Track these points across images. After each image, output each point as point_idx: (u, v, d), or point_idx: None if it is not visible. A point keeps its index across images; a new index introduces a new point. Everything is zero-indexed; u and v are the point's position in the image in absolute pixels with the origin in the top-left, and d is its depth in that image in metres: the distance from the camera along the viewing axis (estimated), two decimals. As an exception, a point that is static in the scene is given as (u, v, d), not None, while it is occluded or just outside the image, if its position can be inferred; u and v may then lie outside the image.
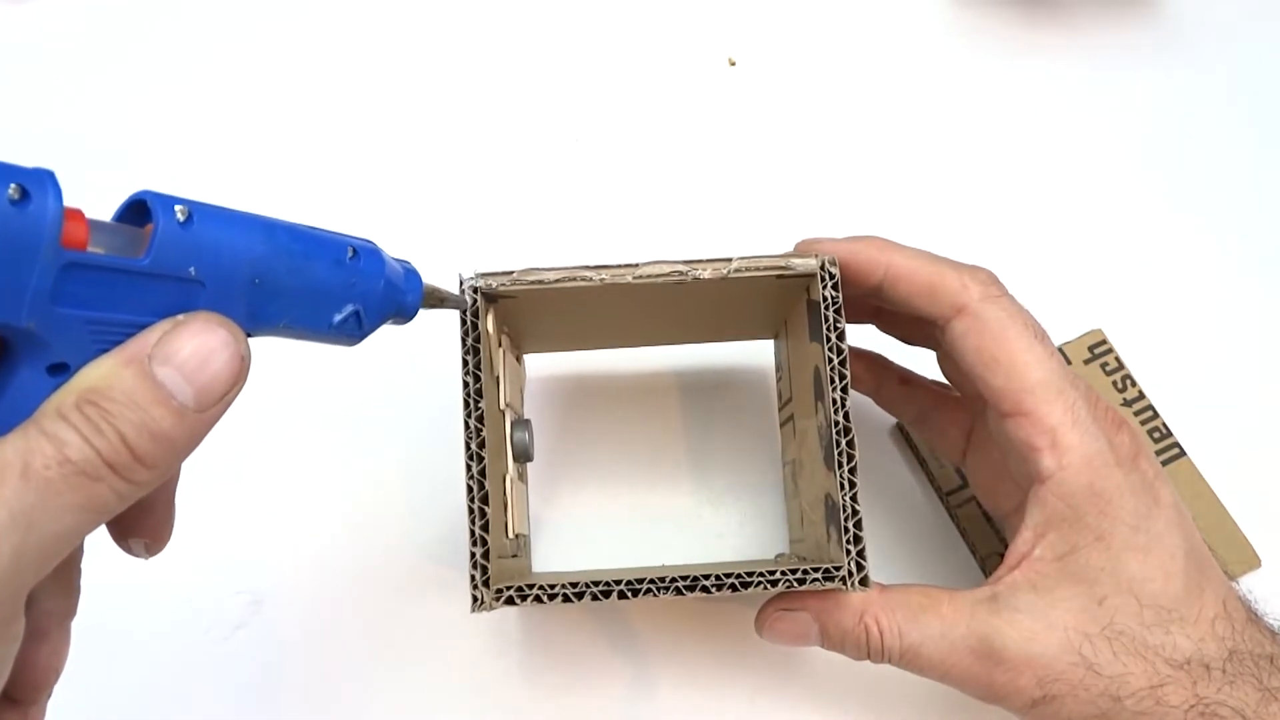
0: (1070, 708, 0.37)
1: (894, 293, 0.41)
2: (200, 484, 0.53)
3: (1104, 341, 0.56)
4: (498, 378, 0.42)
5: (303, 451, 0.54)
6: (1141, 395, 0.55)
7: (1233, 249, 0.60)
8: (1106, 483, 0.37)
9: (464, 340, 0.38)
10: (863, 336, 0.49)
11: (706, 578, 0.37)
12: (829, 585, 0.38)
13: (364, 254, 0.34)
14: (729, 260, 0.40)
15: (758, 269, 0.40)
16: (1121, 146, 0.63)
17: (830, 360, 0.39)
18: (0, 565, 0.23)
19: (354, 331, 0.34)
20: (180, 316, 0.28)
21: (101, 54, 0.64)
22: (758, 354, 0.55)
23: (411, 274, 0.36)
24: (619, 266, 0.39)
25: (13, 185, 0.24)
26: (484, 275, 0.39)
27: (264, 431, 0.54)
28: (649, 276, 0.39)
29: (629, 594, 0.37)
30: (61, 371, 0.26)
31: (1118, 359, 0.56)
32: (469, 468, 0.37)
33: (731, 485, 0.54)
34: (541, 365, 0.55)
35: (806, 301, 0.42)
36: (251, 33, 0.65)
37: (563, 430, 0.55)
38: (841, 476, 0.38)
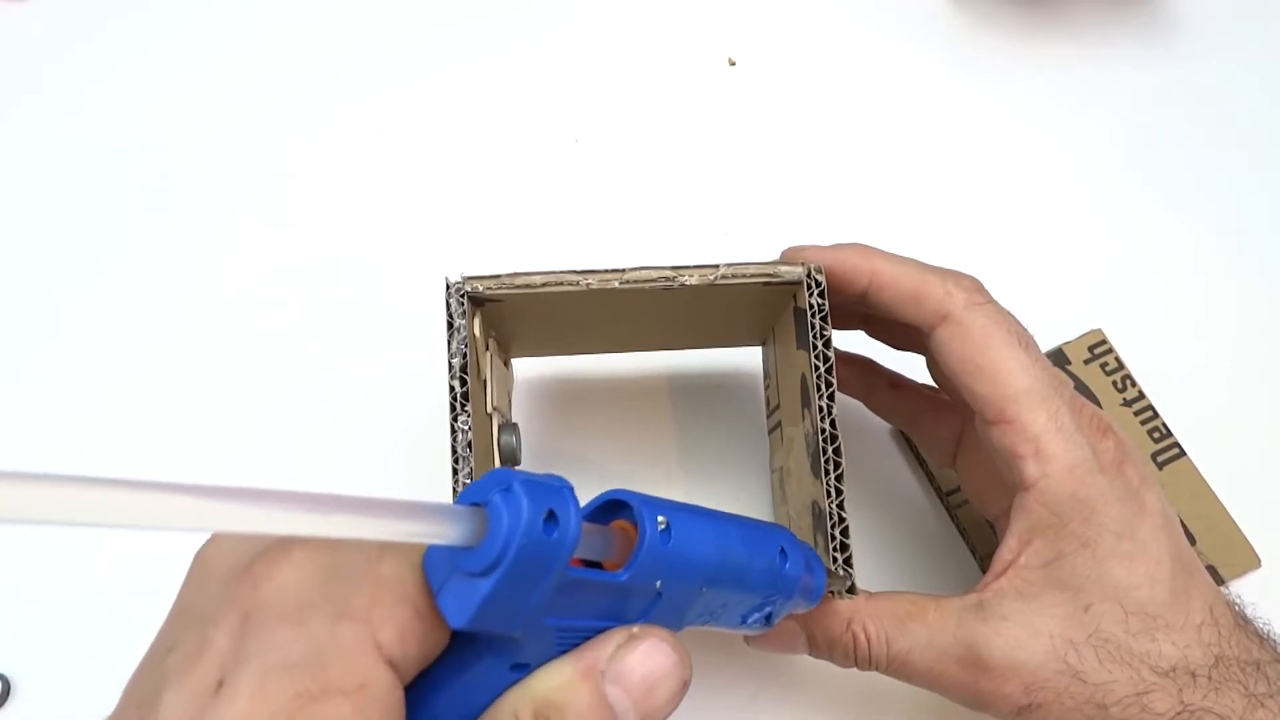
0: (1056, 715, 0.37)
1: (879, 300, 0.41)
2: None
3: (1104, 341, 0.56)
4: (484, 381, 0.42)
5: (289, 456, 0.54)
6: (1141, 395, 0.55)
7: (1233, 249, 0.60)
8: (1090, 490, 0.37)
9: (450, 344, 0.38)
10: (852, 341, 0.49)
11: None
12: None
13: (790, 552, 0.33)
14: (716, 267, 0.39)
15: (744, 276, 0.40)
16: (1121, 146, 0.63)
17: (816, 368, 0.38)
18: None
19: (761, 627, 0.34)
20: (635, 629, 0.28)
21: (102, 54, 0.64)
22: (749, 359, 0.55)
23: (817, 562, 0.35)
24: (606, 271, 0.39)
25: (547, 509, 0.24)
26: (470, 279, 0.39)
27: (252, 435, 0.54)
28: (636, 281, 0.39)
29: None
30: (521, 669, 0.26)
31: (1118, 359, 0.55)
32: (455, 471, 0.37)
33: (730, 487, 0.54)
34: (531, 369, 0.55)
35: (793, 309, 0.42)
36: (252, 31, 0.65)
37: (552, 434, 0.55)
38: (828, 484, 0.38)
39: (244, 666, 0.23)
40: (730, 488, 0.54)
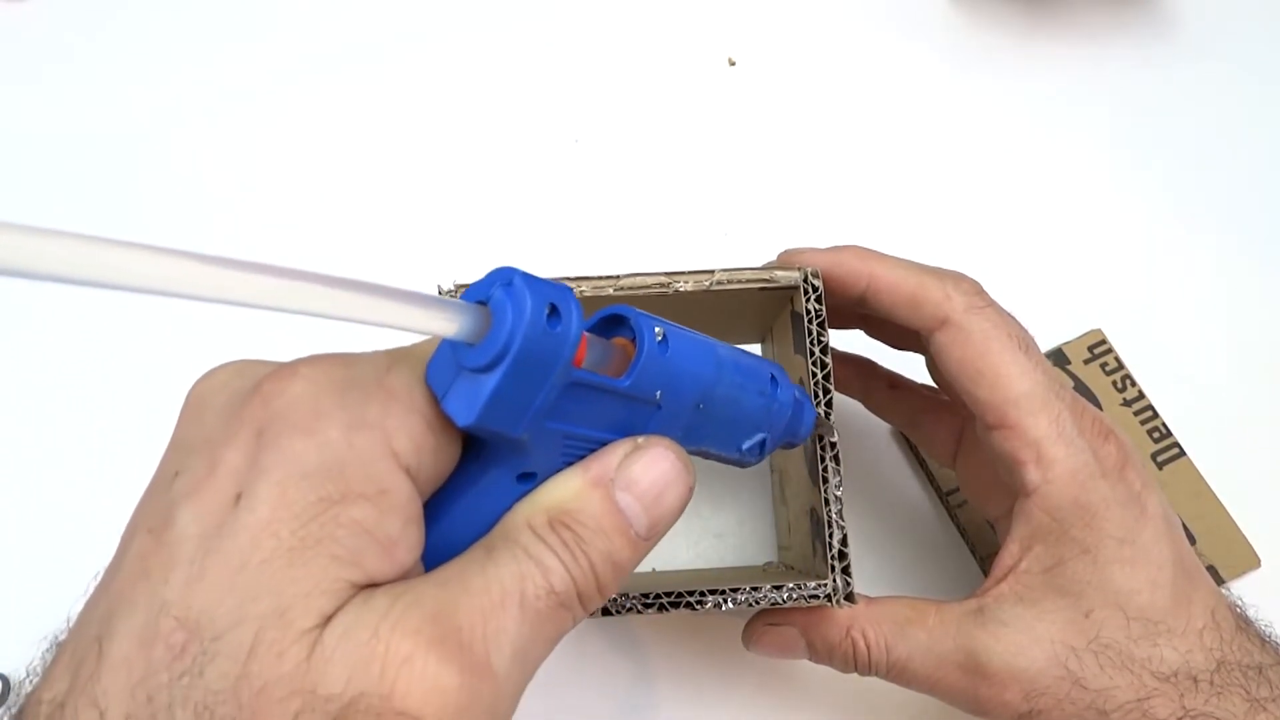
0: None
1: (877, 304, 0.40)
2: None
3: (1104, 341, 0.56)
4: None
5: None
6: (1141, 395, 0.55)
7: (1233, 249, 0.60)
8: (1092, 495, 0.37)
9: None
10: (851, 341, 0.49)
11: (691, 594, 0.37)
12: (814, 603, 0.37)
13: (780, 383, 0.34)
14: (711, 272, 0.39)
15: (740, 281, 0.39)
16: (1121, 146, 0.63)
17: (814, 373, 0.38)
18: (503, 710, 0.24)
19: (755, 457, 0.34)
20: (640, 440, 0.28)
21: (102, 53, 0.64)
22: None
23: (807, 402, 0.36)
24: (600, 278, 0.39)
25: (548, 304, 0.24)
26: (462, 286, 0.39)
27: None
28: (630, 288, 0.39)
29: (614, 611, 0.37)
30: (528, 479, 0.27)
31: (1117, 359, 0.55)
32: None
33: (729, 487, 0.54)
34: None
35: (790, 313, 0.42)
36: (251, 31, 0.65)
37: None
38: (826, 492, 0.38)
39: (263, 477, 0.23)
40: (729, 488, 0.54)
